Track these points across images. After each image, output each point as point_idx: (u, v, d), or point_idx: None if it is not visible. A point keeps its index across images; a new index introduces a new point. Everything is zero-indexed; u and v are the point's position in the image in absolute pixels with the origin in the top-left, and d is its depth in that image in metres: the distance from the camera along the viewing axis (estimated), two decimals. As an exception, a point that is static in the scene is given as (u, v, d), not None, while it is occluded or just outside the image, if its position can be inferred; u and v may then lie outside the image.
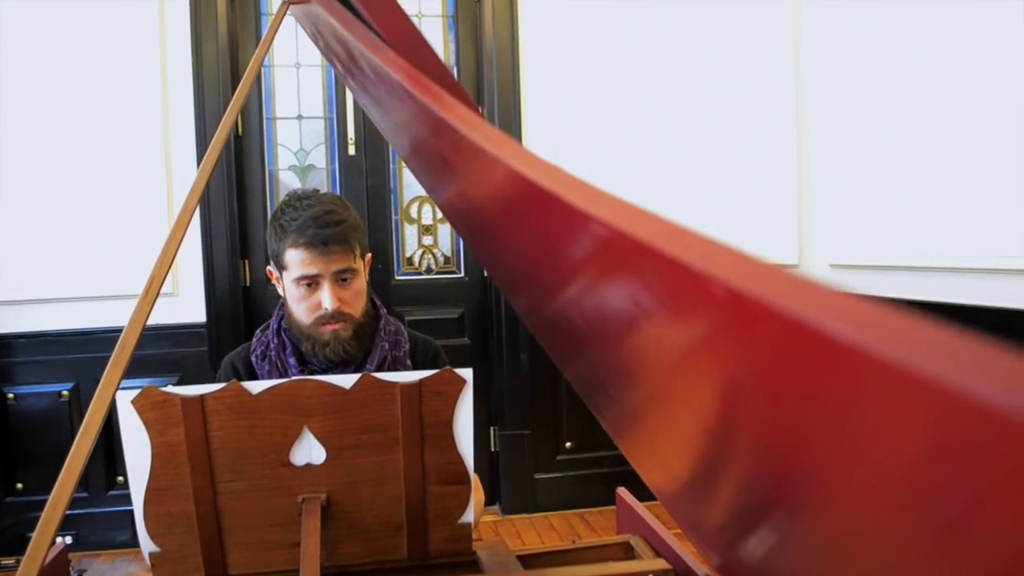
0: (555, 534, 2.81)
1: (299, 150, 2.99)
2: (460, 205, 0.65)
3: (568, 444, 3.00)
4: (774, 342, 0.19)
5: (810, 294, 0.18)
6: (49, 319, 2.73)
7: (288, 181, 2.99)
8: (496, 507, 3.05)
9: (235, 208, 2.85)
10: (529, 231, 0.41)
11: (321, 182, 3.01)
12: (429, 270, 3.09)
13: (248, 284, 2.92)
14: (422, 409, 0.93)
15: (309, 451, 0.92)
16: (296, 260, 1.25)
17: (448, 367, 0.94)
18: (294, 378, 0.92)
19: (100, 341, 2.71)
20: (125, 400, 0.87)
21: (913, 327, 0.15)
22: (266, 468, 0.92)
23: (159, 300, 0.72)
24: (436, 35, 3.05)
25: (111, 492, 2.77)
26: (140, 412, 0.88)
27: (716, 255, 0.23)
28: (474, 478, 1.39)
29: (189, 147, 2.77)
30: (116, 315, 2.71)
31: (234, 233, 2.84)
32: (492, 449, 3.03)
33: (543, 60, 2.94)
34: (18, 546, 2.66)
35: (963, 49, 2.34)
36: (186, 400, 0.88)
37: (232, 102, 0.76)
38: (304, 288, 1.26)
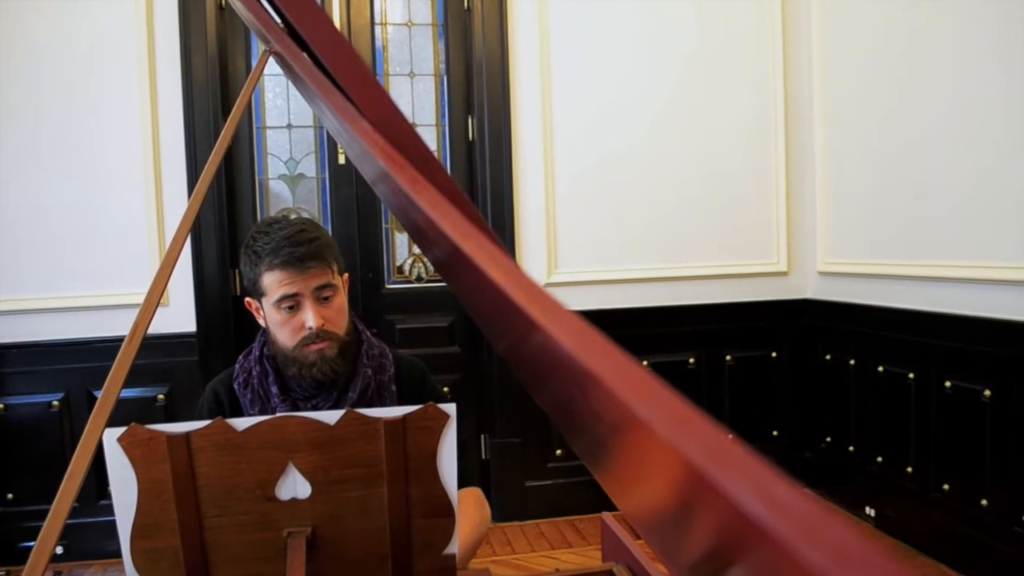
0: (545, 542, 2.82)
1: (289, 159, 2.99)
2: (421, 241, 0.66)
3: (559, 452, 3.02)
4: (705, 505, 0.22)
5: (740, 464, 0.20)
6: (40, 329, 2.73)
7: (278, 190, 2.99)
8: (487, 514, 3.06)
9: (225, 218, 2.85)
10: (482, 299, 0.43)
11: (311, 191, 3.01)
12: (419, 278, 3.10)
13: (238, 293, 2.92)
14: (406, 444, 0.94)
15: (294, 486, 0.93)
16: (274, 282, 1.24)
17: (431, 403, 0.94)
18: (279, 415, 0.93)
19: (91, 351, 2.72)
20: (111, 438, 0.88)
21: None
22: (252, 503, 0.93)
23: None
24: (426, 44, 3.05)
25: (102, 502, 2.77)
26: (126, 450, 0.89)
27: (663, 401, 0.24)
28: (476, 493, 1.37)
29: (179, 159, 2.77)
30: (107, 325, 2.72)
31: (224, 243, 2.85)
32: (483, 457, 3.05)
33: (533, 68, 2.95)
34: (9, 556, 2.66)
35: (959, 52, 2.35)
36: (172, 437, 0.89)
37: (216, 148, 0.77)
38: (286, 311, 1.25)
